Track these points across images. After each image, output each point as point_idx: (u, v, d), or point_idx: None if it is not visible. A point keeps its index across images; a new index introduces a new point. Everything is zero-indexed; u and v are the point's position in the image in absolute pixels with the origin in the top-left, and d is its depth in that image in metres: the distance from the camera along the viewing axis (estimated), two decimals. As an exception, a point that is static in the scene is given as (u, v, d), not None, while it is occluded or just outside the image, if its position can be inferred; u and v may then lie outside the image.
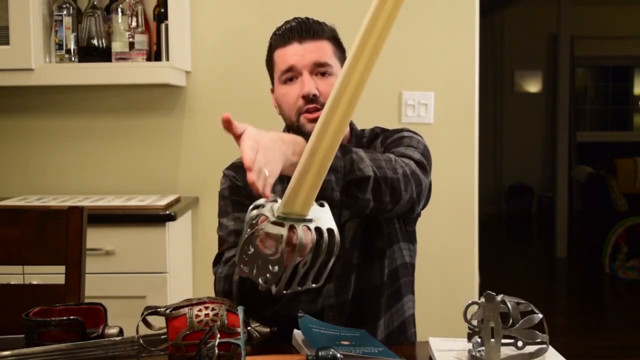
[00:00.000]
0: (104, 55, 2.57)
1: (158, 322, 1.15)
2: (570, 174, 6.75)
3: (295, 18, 1.49)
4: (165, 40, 2.57)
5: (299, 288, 1.04)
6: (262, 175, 1.01)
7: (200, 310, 1.12)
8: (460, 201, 2.73)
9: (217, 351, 1.04)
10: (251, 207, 1.05)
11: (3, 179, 2.82)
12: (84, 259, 1.60)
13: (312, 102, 1.42)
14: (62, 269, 1.59)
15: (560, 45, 6.38)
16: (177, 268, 2.52)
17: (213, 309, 1.12)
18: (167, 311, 1.12)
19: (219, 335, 1.06)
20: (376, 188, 1.26)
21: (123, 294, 2.32)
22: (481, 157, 2.91)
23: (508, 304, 1.16)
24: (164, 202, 2.46)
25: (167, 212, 2.36)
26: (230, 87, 2.78)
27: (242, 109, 2.77)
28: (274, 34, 1.50)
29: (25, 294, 1.66)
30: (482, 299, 1.16)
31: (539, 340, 1.16)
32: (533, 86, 8.73)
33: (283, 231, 0.99)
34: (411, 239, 1.58)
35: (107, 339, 1.15)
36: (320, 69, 1.44)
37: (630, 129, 8.99)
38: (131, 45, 2.55)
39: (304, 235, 1.00)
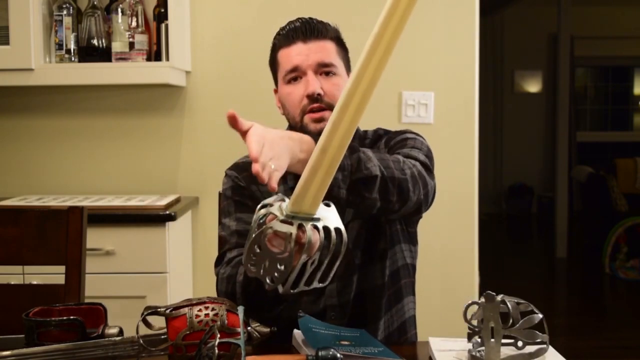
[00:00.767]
0: (104, 55, 2.57)
1: (158, 322, 1.15)
2: (570, 174, 6.75)
3: (299, 18, 1.49)
4: (165, 40, 2.57)
5: (306, 287, 1.04)
6: (268, 168, 1.01)
7: (200, 310, 1.12)
8: (460, 201, 2.73)
9: (217, 351, 1.04)
10: (259, 206, 1.05)
11: (3, 179, 2.82)
12: (84, 259, 1.60)
13: (317, 101, 1.43)
14: (62, 269, 1.59)
15: (560, 45, 6.38)
16: (177, 268, 2.52)
17: (213, 309, 1.12)
18: (167, 311, 1.12)
19: (219, 335, 1.06)
20: (383, 188, 1.25)
21: (123, 294, 2.32)
22: (481, 157, 2.91)
23: (508, 304, 1.16)
24: (164, 202, 2.46)
25: (167, 212, 2.36)
26: (230, 87, 2.78)
27: (242, 109, 2.75)
28: (278, 34, 1.50)
29: (25, 294, 1.66)
30: (482, 299, 1.16)
31: (539, 340, 1.16)
32: (533, 86, 8.73)
33: (292, 229, 0.99)
34: (412, 240, 1.58)
35: (107, 339, 1.15)
36: (324, 69, 1.44)
37: (630, 129, 8.99)
38: (131, 45, 2.55)
39: (312, 234, 1.00)
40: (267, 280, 1.03)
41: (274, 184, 1.01)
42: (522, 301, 1.18)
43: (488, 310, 1.15)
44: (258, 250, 1.02)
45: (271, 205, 1.03)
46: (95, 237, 2.23)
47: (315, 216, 1.02)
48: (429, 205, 1.42)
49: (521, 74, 8.67)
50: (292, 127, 1.50)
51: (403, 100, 2.73)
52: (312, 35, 1.44)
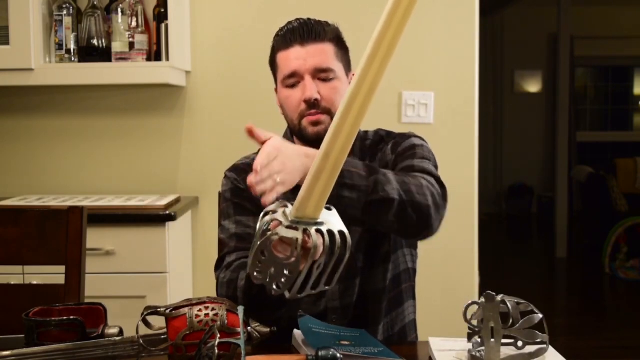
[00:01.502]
0: (104, 55, 2.57)
1: (158, 322, 1.15)
2: (570, 174, 6.75)
3: (297, 19, 1.48)
4: (165, 40, 2.57)
5: (313, 291, 1.05)
6: (271, 182, 1.04)
7: (200, 310, 1.12)
8: (460, 201, 2.73)
9: (217, 351, 1.04)
10: (263, 213, 1.05)
11: (3, 179, 2.82)
12: (84, 259, 1.60)
13: (314, 107, 1.43)
14: (62, 269, 1.59)
15: (560, 45, 6.38)
16: (177, 268, 2.52)
17: (213, 309, 1.12)
18: (167, 311, 1.12)
19: (219, 335, 1.06)
20: (401, 211, 1.25)
21: (123, 294, 2.32)
22: (481, 157, 2.91)
23: (508, 304, 1.16)
24: (164, 202, 2.46)
25: (167, 212, 2.36)
26: (230, 87, 2.78)
27: (242, 109, 2.77)
28: (277, 35, 1.50)
29: (25, 294, 1.66)
30: (482, 299, 1.16)
31: (539, 340, 1.17)
32: (533, 86, 8.73)
33: (298, 235, 1.00)
34: (413, 244, 1.60)
35: (107, 339, 1.15)
36: (322, 75, 1.44)
37: (630, 129, 8.99)
38: (131, 45, 2.55)
39: (317, 239, 1.01)
40: (274, 287, 1.04)
41: (269, 198, 1.03)
42: (522, 301, 1.18)
43: (488, 310, 1.15)
44: (263, 258, 1.02)
45: (275, 212, 1.04)
46: (95, 237, 2.23)
47: (319, 220, 1.02)
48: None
49: (521, 74, 8.66)
50: (290, 129, 1.51)
51: (403, 100, 2.73)
52: (310, 38, 1.44)
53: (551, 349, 1.20)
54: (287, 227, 1.01)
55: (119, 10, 2.55)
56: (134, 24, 2.54)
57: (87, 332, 1.17)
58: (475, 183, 2.77)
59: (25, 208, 2.29)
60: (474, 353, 1.17)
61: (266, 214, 1.05)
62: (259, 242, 1.02)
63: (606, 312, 4.91)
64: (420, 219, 1.28)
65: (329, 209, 1.06)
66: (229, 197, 1.53)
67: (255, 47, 2.76)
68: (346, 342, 1.24)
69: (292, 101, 1.46)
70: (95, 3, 2.58)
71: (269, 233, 1.01)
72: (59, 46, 2.56)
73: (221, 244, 1.50)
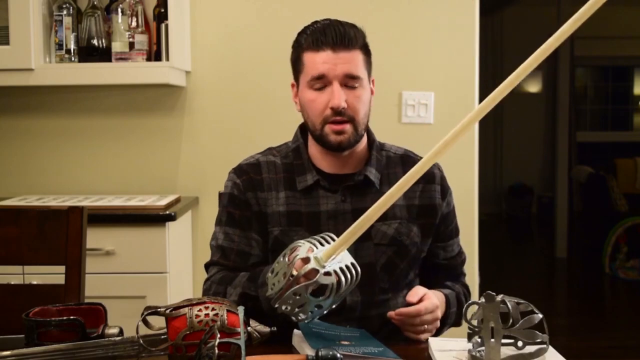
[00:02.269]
0: (104, 55, 2.57)
1: (158, 322, 1.15)
2: (570, 174, 6.75)
3: (329, 20, 1.46)
4: (165, 40, 2.57)
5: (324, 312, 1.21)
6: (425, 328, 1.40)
7: (200, 310, 1.12)
8: (460, 201, 2.71)
9: (217, 351, 1.04)
10: (296, 257, 1.17)
11: (3, 179, 2.82)
12: (84, 259, 1.60)
13: (340, 114, 1.43)
14: (62, 269, 1.59)
15: (560, 45, 6.36)
16: (177, 268, 2.52)
17: (213, 309, 1.12)
18: (167, 311, 1.12)
19: (219, 335, 1.07)
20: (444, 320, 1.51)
21: (123, 294, 2.32)
22: (481, 157, 2.91)
23: (508, 304, 1.16)
24: (164, 202, 2.46)
25: (167, 212, 2.36)
26: (230, 87, 2.77)
27: (242, 109, 2.77)
28: (304, 32, 1.47)
29: (25, 294, 1.66)
30: (482, 299, 1.16)
31: (539, 340, 1.16)
32: (533, 86, 8.73)
33: (332, 280, 1.16)
34: None
35: (107, 339, 1.15)
36: (350, 81, 1.43)
37: (630, 129, 8.98)
38: (131, 45, 2.55)
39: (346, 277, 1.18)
40: (301, 317, 1.20)
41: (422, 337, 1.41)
42: (522, 301, 1.18)
43: (488, 310, 1.15)
44: (298, 297, 1.16)
45: (308, 260, 1.16)
46: (95, 237, 2.23)
47: (337, 260, 1.18)
48: None
49: (521, 74, 8.65)
50: (311, 130, 1.49)
51: (403, 100, 2.73)
52: (343, 45, 1.42)
53: (551, 349, 1.20)
54: (325, 273, 1.15)
55: (119, 10, 2.55)
56: (134, 24, 2.54)
57: (87, 332, 1.17)
58: (475, 183, 2.77)
59: (25, 208, 2.29)
60: (474, 353, 1.17)
61: (294, 250, 1.19)
62: (296, 286, 1.15)
63: (606, 312, 4.91)
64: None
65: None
66: (225, 203, 1.55)
67: (255, 47, 2.76)
68: (346, 342, 1.24)
69: (317, 105, 1.44)
70: (95, 3, 2.58)
71: (309, 282, 1.15)
72: (59, 46, 2.56)
73: (210, 248, 1.57)
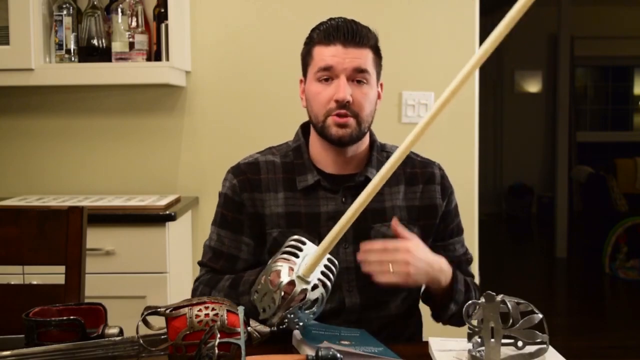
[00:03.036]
0: (104, 55, 2.57)
1: (158, 322, 1.15)
2: (570, 174, 6.75)
3: (343, 19, 1.47)
4: (165, 40, 2.57)
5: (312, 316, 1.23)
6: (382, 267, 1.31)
7: (200, 310, 1.12)
8: (460, 201, 2.71)
9: (217, 351, 1.04)
10: (281, 283, 1.16)
11: (3, 179, 2.82)
12: (84, 259, 1.60)
13: (344, 107, 1.42)
14: (62, 269, 1.59)
15: (560, 45, 6.38)
16: (177, 268, 2.52)
17: (213, 309, 1.12)
18: (167, 311, 1.12)
19: (219, 335, 1.06)
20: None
21: (123, 294, 2.32)
22: (481, 157, 2.91)
23: (508, 304, 1.16)
24: (164, 202, 2.46)
25: (167, 212, 2.36)
26: (230, 87, 2.78)
27: (242, 109, 2.77)
28: (317, 28, 1.48)
29: (25, 294, 1.66)
30: (482, 299, 1.16)
31: (539, 340, 1.16)
32: (533, 86, 8.73)
33: (321, 290, 1.18)
34: None
35: (107, 339, 1.15)
36: (358, 75, 1.43)
37: (630, 129, 8.99)
38: (131, 45, 2.55)
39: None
40: (295, 325, 1.21)
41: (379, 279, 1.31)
42: (522, 301, 1.18)
43: (488, 310, 1.15)
44: (291, 317, 1.18)
45: (293, 283, 1.17)
46: (95, 237, 2.23)
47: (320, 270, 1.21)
48: None
49: (521, 74, 8.66)
50: (313, 123, 1.49)
51: (403, 100, 2.73)
52: (354, 41, 1.42)
53: (551, 349, 1.20)
54: (313, 287, 1.18)
55: (119, 10, 2.55)
56: (134, 24, 2.54)
57: (87, 332, 1.17)
58: (475, 183, 2.77)
59: (25, 208, 2.29)
60: (474, 353, 1.17)
61: (280, 267, 1.19)
62: (290, 309, 1.17)
63: (606, 312, 4.91)
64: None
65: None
66: (221, 203, 1.56)
67: (255, 47, 2.76)
68: (346, 342, 1.24)
69: (322, 97, 1.44)
70: (95, 3, 2.58)
71: (300, 303, 1.17)
72: (59, 46, 2.56)
73: (204, 247, 1.60)
